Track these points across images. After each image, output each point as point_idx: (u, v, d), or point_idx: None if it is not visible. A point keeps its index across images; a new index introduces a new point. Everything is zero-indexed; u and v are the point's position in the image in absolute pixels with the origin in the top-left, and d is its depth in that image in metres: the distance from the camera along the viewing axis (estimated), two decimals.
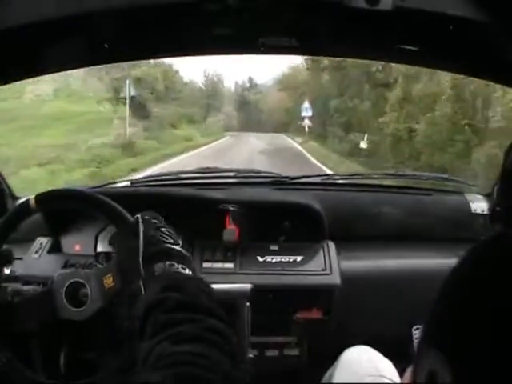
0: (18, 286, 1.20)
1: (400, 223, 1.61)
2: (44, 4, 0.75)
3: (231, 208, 1.43)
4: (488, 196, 1.65)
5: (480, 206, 1.63)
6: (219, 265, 1.41)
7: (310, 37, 0.98)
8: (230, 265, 1.40)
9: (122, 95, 16.62)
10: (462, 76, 6.90)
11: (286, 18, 0.90)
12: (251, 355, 1.33)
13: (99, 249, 1.46)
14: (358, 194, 1.76)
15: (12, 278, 1.23)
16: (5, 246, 1.19)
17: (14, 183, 1.79)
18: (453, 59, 1.00)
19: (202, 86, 33.99)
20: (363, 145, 11.04)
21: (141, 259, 0.89)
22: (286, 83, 29.55)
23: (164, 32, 0.94)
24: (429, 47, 0.94)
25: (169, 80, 22.73)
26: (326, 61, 16.82)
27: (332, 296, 1.36)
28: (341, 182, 1.84)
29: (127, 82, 15.41)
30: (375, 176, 1.87)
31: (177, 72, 24.42)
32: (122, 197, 1.33)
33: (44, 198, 1.16)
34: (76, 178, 9.91)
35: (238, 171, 1.90)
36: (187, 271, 0.86)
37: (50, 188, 1.20)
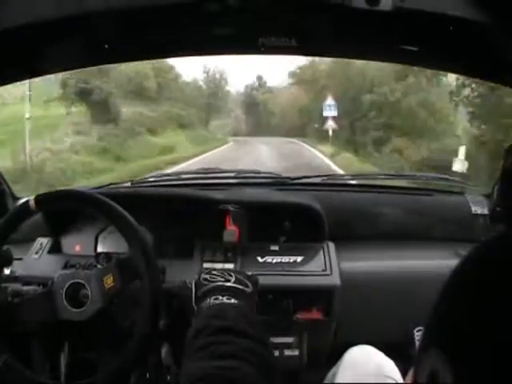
0: (18, 286, 1.20)
1: (400, 223, 1.62)
2: (43, 4, 0.75)
3: (231, 208, 1.43)
4: (488, 196, 1.65)
5: (480, 206, 1.63)
6: (219, 265, 1.40)
7: (310, 37, 0.98)
8: (230, 265, 1.40)
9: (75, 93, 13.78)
10: None
11: (287, 18, 0.90)
12: None
13: (99, 249, 1.46)
14: (358, 194, 1.76)
15: (12, 278, 1.23)
16: (5, 247, 1.20)
17: None
18: (453, 60, 1.00)
19: (202, 84, 30.31)
20: (460, 166, 4.81)
21: (193, 303, 0.98)
22: (301, 76, 24.20)
23: (164, 32, 0.94)
24: (429, 47, 0.94)
25: (162, 77, 20.22)
26: None
27: (332, 297, 1.36)
28: (341, 182, 1.84)
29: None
30: (375, 176, 1.87)
31: (172, 68, 21.67)
32: (123, 197, 1.33)
33: (44, 199, 1.16)
34: None
35: (238, 172, 1.90)
36: (232, 301, 0.92)
37: None
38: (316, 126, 20.18)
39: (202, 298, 0.96)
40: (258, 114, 35.43)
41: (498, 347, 0.36)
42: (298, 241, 1.47)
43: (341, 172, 8.38)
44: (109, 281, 1.14)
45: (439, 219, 1.63)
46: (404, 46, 0.95)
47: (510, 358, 0.35)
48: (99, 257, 1.41)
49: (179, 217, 1.46)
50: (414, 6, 0.74)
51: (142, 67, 17.47)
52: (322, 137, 17.59)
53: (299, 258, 1.42)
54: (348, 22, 0.86)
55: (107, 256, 1.39)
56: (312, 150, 17.95)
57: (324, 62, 20.92)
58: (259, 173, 1.93)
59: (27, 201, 1.15)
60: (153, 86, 19.67)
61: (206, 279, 1.01)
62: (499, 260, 0.40)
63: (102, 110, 14.80)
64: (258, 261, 1.42)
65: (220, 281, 0.99)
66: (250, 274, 1.06)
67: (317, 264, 1.41)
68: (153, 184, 1.80)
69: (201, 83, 30.38)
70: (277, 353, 1.39)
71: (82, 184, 8.83)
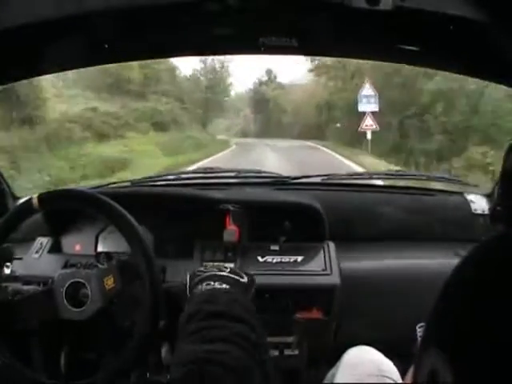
0: (18, 285, 1.20)
1: (400, 223, 1.61)
2: (43, 4, 0.75)
3: (232, 208, 1.43)
4: (489, 196, 1.65)
5: (481, 206, 1.63)
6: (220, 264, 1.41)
7: (310, 37, 0.98)
8: (230, 265, 1.40)
9: None
10: None
11: (287, 18, 0.90)
12: None
13: (99, 249, 1.46)
14: (358, 194, 1.76)
15: (12, 277, 1.24)
16: (5, 245, 1.20)
17: None
18: (453, 59, 1.00)
19: (199, 76, 26.60)
20: None
21: (187, 292, 0.98)
22: (323, 60, 19.13)
23: (164, 32, 0.94)
24: (429, 47, 0.94)
25: (150, 68, 18.17)
26: None
27: (332, 296, 1.36)
28: (341, 182, 1.84)
29: None
30: (376, 176, 1.87)
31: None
32: (123, 197, 1.33)
33: (47, 198, 1.16)
34: None
35: (238, 171, 1.90)
36: (224, 286, 0.93)
37: None
38: (338, 125, 18.17)
39: (194, 286, 0.97)
40: (267, 112, 31.84)
41: (498, 347, 0.36)
42: (298, 240, 1.47)
43: None
44: (109, 282, 1.14)
45: (439, 219, 1.63)
46: (404, 45, 0.95)
47: (510, 358, 0.35)
48: (99, 256, 1.41)
49: (179, 216, 1.46)
50: (414, 5, 0.74)
51: None
52: (348, 140, 14.51)
53: (299, 258, 1.42)
54: (348, 21, 0.86)
55: (107, 256, 1.39)
56: (340, 158, 12.74)
57: None
58: (259, 172, 1.93)
59: (30, 199, 1.15)
60: (137, 77, 18.02)
61: (200, 270, 1.02)
62: (499, 260, 0.40)
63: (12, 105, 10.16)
64: (258, 260, 1.42)
65: (214, 271, 1.00)
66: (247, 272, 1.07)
67: (317, 264, 1.41)
68: (153, 183, 1.80)
69: (198, 75, 26.82)
70: (277, 352, 1.39)
71: None
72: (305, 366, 1.42)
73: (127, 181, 1.84)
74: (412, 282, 1.45)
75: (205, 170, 1.98)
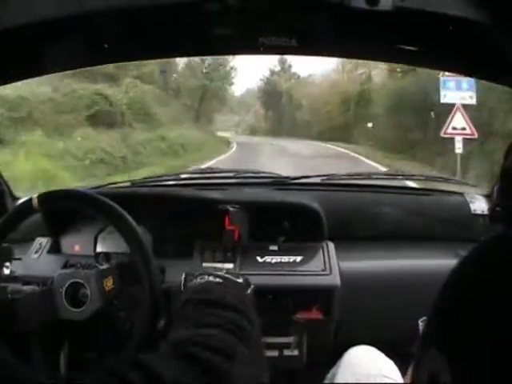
0: (17, 286, 1.20)
1: (400, 223, 1.62)
2: (43, 4, 0.75)
3: (231, 208, 1.43)
4: (488, 196, 1.65)
5: (480, 206, 1.63)
6: (219, 265, 1.41)
7: (309, 37, 0.98)
8: (229, 265, 1.40)
9: None
10: None
11: (286, 18, 0.90)
12: None
13: (99, 249, 1.46)
14: (357, 194, 1.76)
15: (12, 278, 1.23)
16: (5, 245, 1.20)
17: None
18: (453, 59, 1.00)
19: (195, 59, 19.61)
20: None
21: (182, 286, 1.00)
22: None
23: (164, 32, 0.94)
24: (429, 47, 0.94)
25: None
26: None
27: (332, 296, 1.36)
28: (341, 182, 1.84)
29: None
30: (375, 176, 1.87)
31: None
32: (123, 197, 1.33)
33: (47, 198, 1.16)
34: None
35: (237, 171, 1.90)
36: (217, 279, 0.94)
37: None
38: (370, 125, 15.42)
39: (189, 281, 0.98)
40: (280, 107, 27.70)
41: (497, 347, 0.36)
42: (298, 241, 1.47)
43: None
44: (109, 283, 1.14)
45: (439, 219, 1.63)
46: (404, 45, 0.95)
47: (509, 358, 0.35)
48: (98, 257, 1.41)
49: (178, 217, 1.46)
50: (414, 5, 0.74)
51: None
52: (389, 145, 11.33)
53: (299, 258, 1.42)
54: (348, 21, 0.86)
55: (106, 256, 1.39)
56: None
57: None
58: (258, 172, 1.94)
59: (30, 199, 1.15)
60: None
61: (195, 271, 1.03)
62: (498, 260, 0.40)
63: None
64: (257, 261, 1.42)
65: (210, 272, 1.01)
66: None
67: (316, 264, 1.41)
68: (152, 184, 1.79)
69: (194, 59, 19.90)
70: (276, 353, 1.39)
71: None
72: (304, 367, 1.42)
73: (127, 181, 1.84)
74: (411, 282, 1.45)
75: (204, 170, 1.98)
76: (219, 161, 13.00)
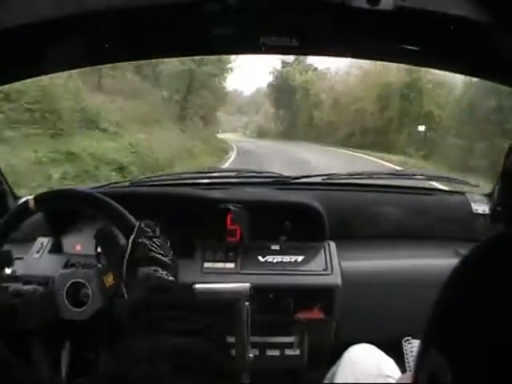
0: (18, 285, 1.20)
1: (401, 223, 1.61)
2: (44, 4, 0.75)
3: (232, 208, 1.43)
4: (489, 196, 1.65)
5: (481, 205, 1.63)
6: (220, 265, 1.41)
7: (310, 37, 0.98)
8: (231, 265, 1.41)
9: None
10: None
11: (287, 18, 0.90)
12: (252, 355, 1.33)
13: (100, 249, 1.46)
14: (359, 193, 1.76)
15: (13, 277, 1.23)
16: (5, 246, 1.20)
17: None
18: (454, 59, 1.00)
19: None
20: None
21: (125, 261, 0.96)
22: None
23: (164, 32, 0.94)
24: (430, 47, 0.94)
25: None
26: None
27: (333, 296, 1.36)
28: (342, 181, 1.84)
29: None
30: (376, 176, 1.87)
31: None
32: (123, 197, 1.33)
33: (43, 199, 1.16)
34: None
35: (239, 171, 1.90)
36: (170, 278, 0.92)
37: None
38: (421, 128, 11.62)
39: (138, 263, 0.95)
40: (293, 105, 23.35)
41: (497, 347, 0.36)
42: (299, 240, 1.47)
43: None
44: (109, 279, 1.14)
45: (440, 218, 1.63)
46: (405, 45, 0.95)
47: (509, 358, 0.35)
48: (100, 256, 1.41)
49: (180, 216, 1.46)
50: (415, 5, 0.74)
51: None
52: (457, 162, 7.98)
53: (300, 258, 1.42)
54: (349, 21, 0.86)
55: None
56: None
57: None
58: (260, 172, 1.94)
59: (27, 201, 1.15)
60: None
61: (145, 245, 1.00)
62: (499, 259, 0.40)
63: None
64: (258, 260, 1.42)
65: (159, 253, 0.99)
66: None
67: (318, 263, 1.41)
68: (153, 183, 1.80)
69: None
70: (278, 352, 1.39)
71: None
72: (305, 366, 1.42)
73: (127, 180, 1.84)
74: (412, 281, 1.44)
75: (205, 170, 1.98)
76: None
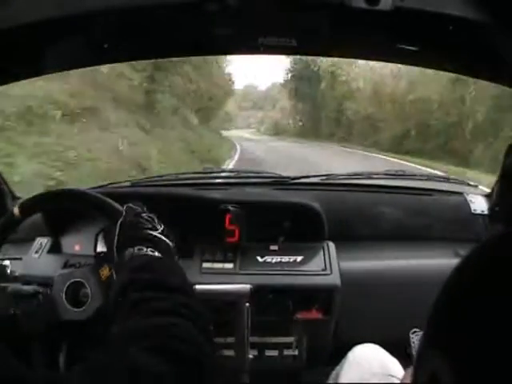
0: (18, 286, 1.20)
1: (400, 223, 1.61)
2: (44, 4, 0.75)
3: (231, 208, 1.43)
4: (488, 196, 1.65)
5: (480, 206, 1.63)
6: (219, 265, 1.41)
7: (309, 37, 0.98)
8: (229, 265, 1.40)
9: None
10: None
11: (286, 18, 0.90)
12: (251, 355, 1.33)
13: (99, 249, 1.46)
14: (358, 194, 1.76)
15: (12, 278, 1.23)
16: (4, 247, 1.19)
17: None
18: (453, 59, 1.00)
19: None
20: None
21: (115, 245, 0.93)
22: None
23: (163, 32, 0.94)
24: (429, 47, 0.94)
25: None
26: None
27: (332, 296, 1.36)
28: (341, 182, 1.84)
29: None
30: (375, 176, 1.87)
31: None
32: (123, 197, 1.33)
33: (27, 206, 1.15)
34: None
35: (238, 171, 1.90)
36: (156, 254, 0.89)
37: None
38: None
39: (124, 245, 0.92)
40: (315, 95, 19.34)
41: (498, 347, 0.36)
42: (298, 240, 1.47)
43: None
44: (105, 271, 1.13)
45: (439, 219, 1.63)
46: (404, 45, 0.95)
47: (509, 358, 0.35)
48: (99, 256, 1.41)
49: (179, 216, 1.46)
50: (414, 5, 0.75)
51: None
52: None
53: (299, 258, 1.42)
54: (348, 21, 0.86)
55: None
56: None
57: None
58: (259, 172, 1.94)
59: (11, 212, 1.14)
60: None
61: (132, 223, 0.97)
62: (499, 260, 0.40)
63: None
64: (257, 260, 1.42)
65: (148, 228, 0.96)
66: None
67: (317, 263, 1.41)
68: (152, 184, 1.80)
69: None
70: (276, 353, 1.39)
71: None
72: (304, 366, 1.42)
73: (127, 181, 1.84)
74: (411, 282, 1.45)
75: (204, 170, 1.98)
76: None
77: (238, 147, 15.75)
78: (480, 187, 1.90)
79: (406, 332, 1.31)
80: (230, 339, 1.30)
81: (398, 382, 1.07)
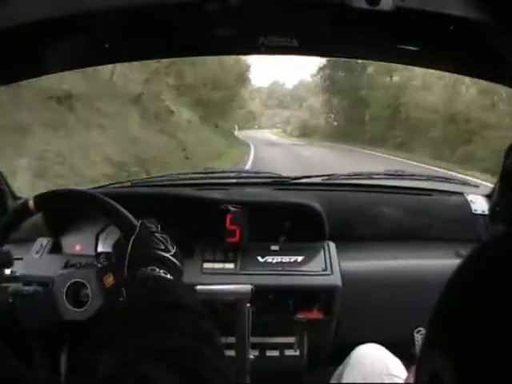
0: (18, 286, 1.20)
1: (401, 224, 1.61)
2: (44, 4, 0.75)
3: (232, 208, 1.43)
4: (489, 196, 1.65)
5: (481, 206, 1.63)
6: (220, 265, 1.41)
7: (310, 37, 0.98)
8: (230, 265, 1.40)
9: None
10: None
11: (287, 18, 0.90)
12: (252, 356, 1.33)
13: (100, 249, 1.46)
14: (358, 194, 1.76)
15: (13, 278, 1.23)
16: (5, 247, 1.20)
17: None
18: (453, 59, 1.00)
19: None
20: None
21: (126, 262, 0.94)
22: None
23: (164, 32, 0.94)
24: (429, 47, 0.94)
25: None
26: None
27: (333, 296, 1.36)
28: (341, 182, 1.84)
29: None
30: (376, 176, 1.87)
31: None
32: (123, 197, 1.33)
33: (43, 199, 1.16)
34: None
35: (238, 171, 1.90)
36: (168, 276, 0.89)
37: None
38: None
39: (137, 263, 0.92)
40: (358, 88, 16.31)
41: (498, 346, 0.36)
42: (299, 240, 1.47)
43: None
44: (109, 280, 1.14)
45: (439, 219, 1.63)
46: (404, 45, 0.95)
47: (511, 358, 0.35)
48: (100, 256, 1.41)
49: (179, 217, 1.46)
50: (415, 5, 0.75)
51: None
52: None
53: (300, 258, 1.42)
54: (348, 21, 0.86)
55: (107, 255, 1.39)
56: None
57: None
58: (259, 173, 1.94)
59: (26, 201, 1.15)
60: None
61: (146, 241, 0.98)
62: (500, 260, 0.40)
63: None
64: (258, 261, 1.42)
65: (161, 249, 0.97)
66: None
67: (317, 264, 1.41)
68: (153, 184, 1.80)
69: None
70: (277, 353, 1.39)
71: None
72: (305, 367, 1.42)
73: (127, 181, 1.84)
74: (412, 282, 1.45)
75: (205, 171, 1.98)
76: None
77: (252, 153, 12.54)
78: (480, 187, 1.90)
79: (407, 332, 1.31)
80: (231, 339, 1.30)
81: (401, 381, 1.07)
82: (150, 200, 1.53)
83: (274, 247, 1.46)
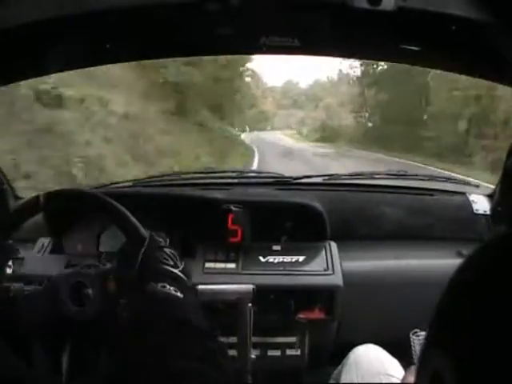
0: (20, 285, 1.20)
1: (402, 223, 1.61)
2: (45, 4, 0.75)
3: (233, 208, 1.43)
4: (490, 196, 1.65)
5: (482, 206, 1.63)
6: (221, 265, 1.41)
7: (311, 37, 0.98)
8: (232, 265, 1.41)
9: None
10: None
11: (288, 18, 0.90)
12: (253, 355, 1.33)
13: (101, 249, 1.46)
14: (360, 194, 1.76)
15: (14, 277, 1.23)
16: (10, 242, 1.20)
17: None
18: (455, 59, 1.00)
19: None
20: None
21: (135, 274, 0.96)
22: None
23: (165, 32, 0.94)
24: (431, 47, 0.94)
25: None
26: None
27: (334, 296, 1.36)
28: (343, 182, 1.84)
29: None
30: (377, 176, 1.86)
31: None
32: (125, 197, 1.33)
33: (54, 197, 1.16)
34: None
35: (240, 171, 1.90)
36: (178, 294, 0.90)
37: None
38: None
39: (146, 277, 0.93)
40: (399, 80, 13.39)
41: (500, 346, 0.36)
42: (300, 240, 1.47)
43: None
44: (111, 284, 1.14)
45: (441, 219, 1.62)
46: (406, 45, 0.95)
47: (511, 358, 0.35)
48: (101, 256, 1.41)
49: (181, 217, 1.46)
50: (416, 5, 0.74)
51: None
52: None
53: (301, 258, 1.42)
54: (350, 21, 0.86)
55: (109, 255, 1.39)
56: None
57: None
58: (261, 172, 1.94)
59: (38, 196, 1.15)
60: None
61: (155, 256, 0.99)
62: (502, 259, 0.40)
63: None
64: (260, 260, 1.42)
65: (169, 264, 0.98)
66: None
67: (319, 263, 1.41)
68: (154, 184, 1.80)
69: None
70: (279, 352, 1.39)
71: None
72: (306, 366, 1.42)
73: (129, 181, 1.84)
74: (413, 282, 1.44)
75: (206, 170, 1.98)
76: None
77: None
78: (482, 187, 1.89)
79: (408, 332, 1.31)
80: (233, 339, 1.30)
81: (399, 382, 1.07)
82: (152, 200, 1.53)
83: (276, 247, 1.46)
